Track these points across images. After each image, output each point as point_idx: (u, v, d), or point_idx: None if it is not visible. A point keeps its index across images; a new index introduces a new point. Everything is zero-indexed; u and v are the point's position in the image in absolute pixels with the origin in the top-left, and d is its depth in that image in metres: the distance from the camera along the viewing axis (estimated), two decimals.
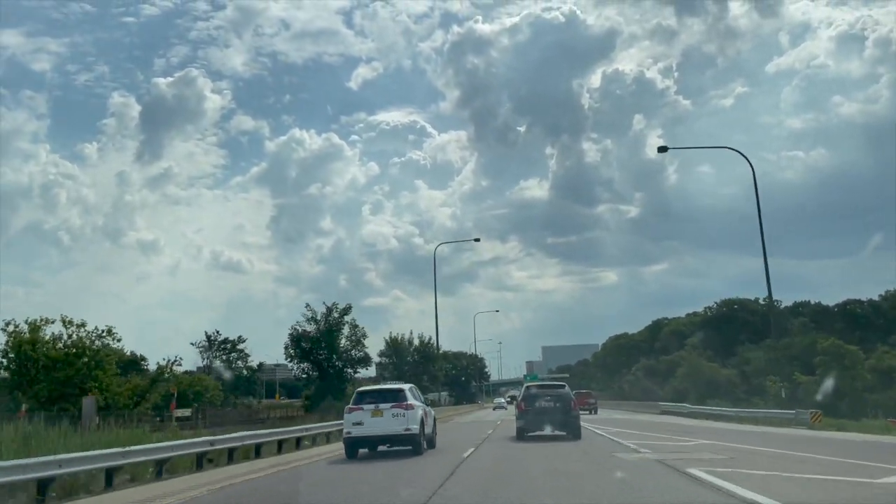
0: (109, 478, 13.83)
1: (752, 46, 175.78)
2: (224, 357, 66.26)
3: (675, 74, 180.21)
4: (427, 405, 20.97)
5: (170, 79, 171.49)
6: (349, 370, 50.76)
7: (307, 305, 51.94)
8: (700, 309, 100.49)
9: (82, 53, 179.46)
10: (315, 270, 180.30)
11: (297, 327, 50.04)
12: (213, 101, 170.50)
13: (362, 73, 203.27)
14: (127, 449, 14.51)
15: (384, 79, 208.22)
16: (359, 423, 18.41)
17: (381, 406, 18.48)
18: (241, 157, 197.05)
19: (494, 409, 79.19)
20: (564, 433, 22.29)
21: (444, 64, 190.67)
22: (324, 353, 49.38)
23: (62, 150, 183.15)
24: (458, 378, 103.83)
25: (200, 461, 17.47)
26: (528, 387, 24.82)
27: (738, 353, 75.87)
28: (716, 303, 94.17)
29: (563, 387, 24.03)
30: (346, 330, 50.17)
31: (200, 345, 57.27)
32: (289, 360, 51.32)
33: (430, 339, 63.24)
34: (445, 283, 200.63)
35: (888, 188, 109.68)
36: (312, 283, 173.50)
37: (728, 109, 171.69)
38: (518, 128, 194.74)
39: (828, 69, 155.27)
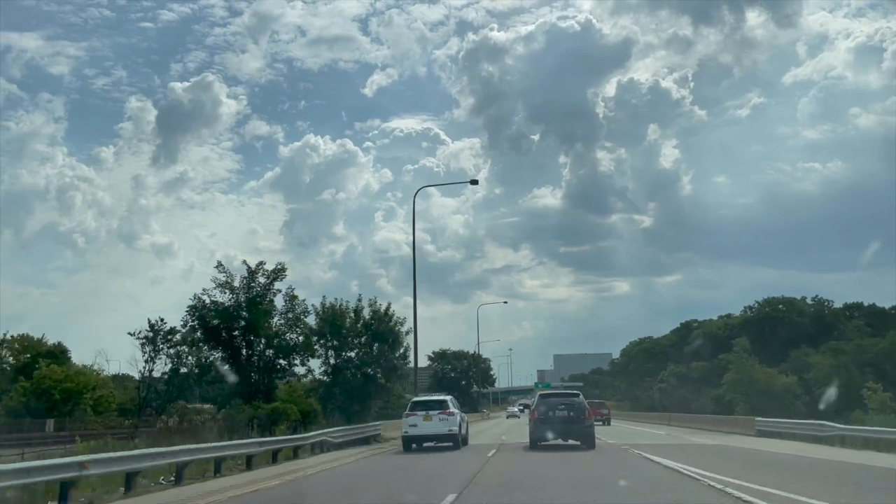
0: None
1: (769, 57, 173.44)
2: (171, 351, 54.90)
3: (691, 84, 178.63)
4: (462, 412, 27.07)
5: (186, 83, 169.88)
6: (282, 361, 33.94)
7: (219, 264, 33.92)
8: (737, 312, 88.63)
9: (100, 58, 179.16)
10: (327, 276, 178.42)
11: (205, 296, 32.96)
12: (229, 106, 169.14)
13: (377, 79, 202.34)
14: None
15: (399, 86, 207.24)
16: (414, 425, 24.44)
17: (431, 412, 24.50)
18: (255, 162, 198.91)
19: (508, 417, 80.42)
20: (578, 443, 22.34)
21: (458, 71, 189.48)
22: (241, 335, 32.77)
23: (79, 153, 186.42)
24: (457, 382, 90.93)
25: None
26: (542, 395, 25.29)
27: (788, 359, 63.85)
28: (757, 302, 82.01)
29: (577, 395, 24.26)
30: (279, 302, 34.16)
31: (141, 336, 37.27)
32: (188, 345, 33.15)
33: (388, 306, 41.49)
34: (457, 290, 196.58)
35: None
36: (324, 289, 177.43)
37: (744, 120, 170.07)
38: (532, 136, 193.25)
39: (846, 80, 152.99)
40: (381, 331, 40.28)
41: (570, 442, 22.79)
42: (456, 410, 25.16)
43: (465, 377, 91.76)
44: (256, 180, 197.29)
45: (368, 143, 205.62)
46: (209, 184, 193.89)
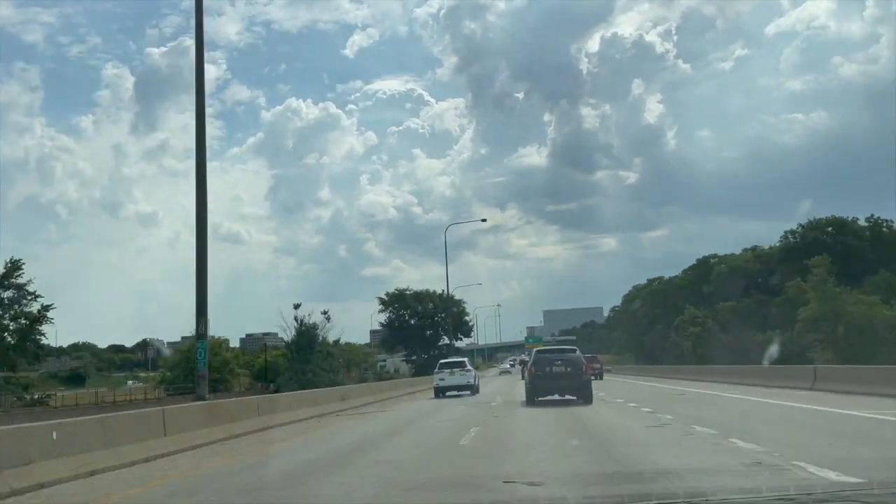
0: None
1: (752, 8, 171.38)
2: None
3: (675, 38, 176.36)
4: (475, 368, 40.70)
5: (163, 49, 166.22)
6: None
7: None
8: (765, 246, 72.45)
9: (74, 24, 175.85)
10: (314, 241, 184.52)
11: None
12: (208, 72, 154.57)
13: (358, 40, 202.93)
14: None
15: (380, 46, 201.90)
16: (442, 379, 33.97)
17: (455, 370, 34.56)
18: (237, 128, 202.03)
19: (500, 373, 78.02)
20: (576, 398, 22.24)
21: (440, 30, 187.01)
22: None
23: (57, 123, 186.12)
24: (419, 331, 70.49)
25: None
26: (538, 351, 25.65)
27: (861, 287, 47.44)
28: (801, 225, 65.35)
29: (574, 351, 24.42)
30: None
31: None
32: None
33: None
34: (443, 250, 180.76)
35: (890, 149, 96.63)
36: (312, 254, 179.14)
37: (728, 73, 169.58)
38: (516, 94, 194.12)
39: (828, 30, 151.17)
40: None
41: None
42: (471, 368, 36.42)
43: (431, 325, 71.02)
44: (239, 146, 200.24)
45: (351, 106, 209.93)
46: (191, 151, 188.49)
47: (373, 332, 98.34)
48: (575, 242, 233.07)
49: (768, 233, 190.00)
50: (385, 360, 79.72)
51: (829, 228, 63.64)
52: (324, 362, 49.58)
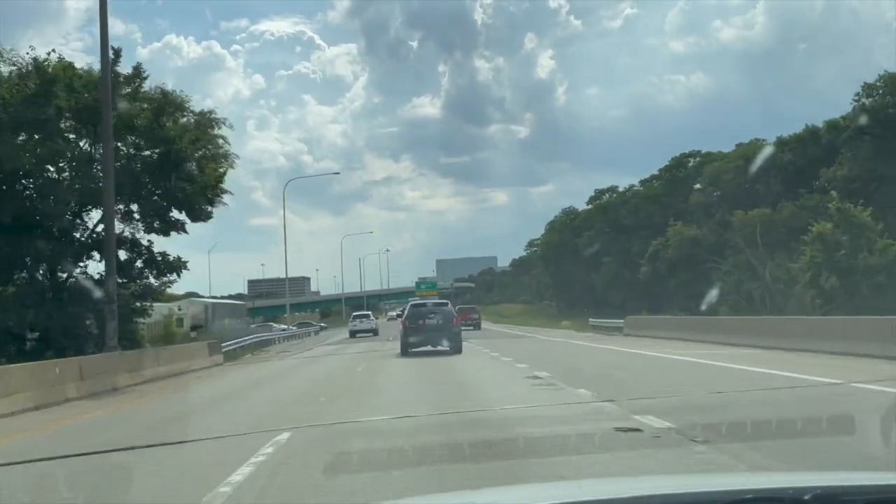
0: None
1: None
2: None
3: None
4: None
5: None
6: None
7: None
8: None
9: None
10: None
11: None
12: (76, 2, 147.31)
13: None
14: None
15: None
16: (354, 325, 49.20)
17: (363, 319, 50.43)
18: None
19: (388, 320, 78.42)
20: (447, 349, 23.34)
21: None
22: None
23: None
24: None
25: None
26: (412, 304, 27.78)
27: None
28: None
29: (445, 304, 26.72)
30: None
31: None
32: None
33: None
34: (336, 202, 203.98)
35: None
36: None
37: (616, 31, 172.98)
38: (410, 42, 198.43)
39: None
40: None
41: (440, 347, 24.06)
42: (374, 318, 53.59)
43: None
44: None
45: (237, 47, 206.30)
46: None
47: None
48: (467, 196, 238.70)
49: None
50: None
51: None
52: None
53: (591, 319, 42.22)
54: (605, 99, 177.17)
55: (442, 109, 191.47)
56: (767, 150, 44.70)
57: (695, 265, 46.72)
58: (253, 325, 55.68)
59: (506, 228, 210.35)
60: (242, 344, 32.39)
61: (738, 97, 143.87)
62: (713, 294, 35.49)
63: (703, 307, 35.08)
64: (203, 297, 60.21)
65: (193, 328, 42.73)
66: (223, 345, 28.05)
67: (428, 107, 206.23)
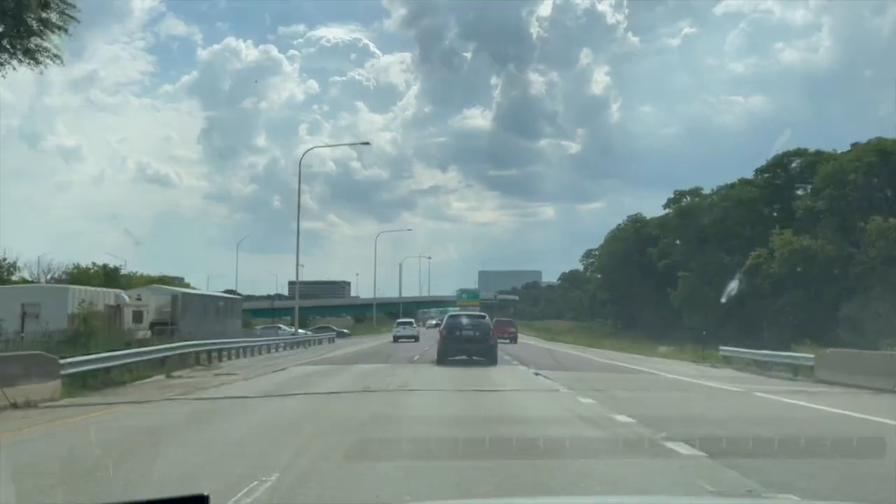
0: None
1: None
2: None
3: (626, 10, 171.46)
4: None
5: None
6: None
7: None
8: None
9: None
10: (248, 189, 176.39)
11: None
12: (142, 1, 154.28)
13: None
14: None
15: None
16: (398, 331, 51.44)
17: (406, 326, 53.19)
18: (171, 65, 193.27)
19: (427, 328, 75.37)
20: (482, 359, 23.65)
21: None
22: None
23: None
24: None
25: None
26: (450, 315, 27.91)
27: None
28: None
29: (483, 317, 26.75)
30: None
31: None
32: None
33: None
34: (383, 209, 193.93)
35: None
36: (244, 203, 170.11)
37: (674, 49, 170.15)
38: (464, 53, 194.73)
39: (772, 15, 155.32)
40: None
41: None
42: (415, 325, 56.67)
43: None
44: (172, 84, 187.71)
45: (293, 52, 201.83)
46: (121, 86, 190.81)
47: None
48: (514, 209, 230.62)
49: None
50: None
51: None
52: None
53: (721, 348, 27.77)
54: (660, 117, 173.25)
55: (492, 121, 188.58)
56: None
57: (806, 283, 37.04)
58: (259, 328, 48.72)
59: (552, 244, 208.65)
60: (205, 349, 23.81)
61: (795, 117, 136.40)
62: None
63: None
64: (177, 286, 47.83)
65: (155, 325, 33.93)
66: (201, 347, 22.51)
67: (478, 118, 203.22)
